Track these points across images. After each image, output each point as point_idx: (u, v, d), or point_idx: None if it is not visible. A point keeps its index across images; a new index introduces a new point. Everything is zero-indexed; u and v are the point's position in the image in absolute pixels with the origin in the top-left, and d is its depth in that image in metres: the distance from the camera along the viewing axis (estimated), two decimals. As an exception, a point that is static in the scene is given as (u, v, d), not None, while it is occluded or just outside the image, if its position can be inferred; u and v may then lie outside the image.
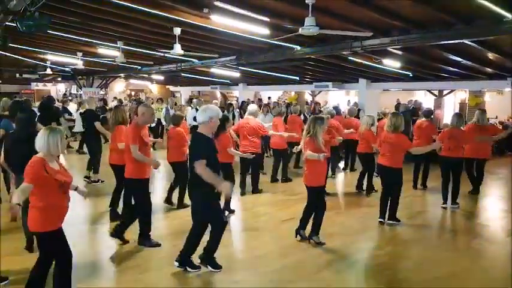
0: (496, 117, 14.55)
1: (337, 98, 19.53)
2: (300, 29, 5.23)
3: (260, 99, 17.96)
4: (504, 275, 4.28)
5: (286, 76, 13.67)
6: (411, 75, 10.82)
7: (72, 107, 12.74)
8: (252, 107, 7.39)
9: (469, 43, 6.70)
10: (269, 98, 18.87)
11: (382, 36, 6.73)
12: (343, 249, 4.86)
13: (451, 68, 9.33)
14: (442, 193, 6.65)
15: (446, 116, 15.31)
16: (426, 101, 17.18)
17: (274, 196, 7.28)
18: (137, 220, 4.77)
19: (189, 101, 15.59)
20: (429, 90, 14.48)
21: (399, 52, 8.07)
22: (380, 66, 9.37)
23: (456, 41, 6.46)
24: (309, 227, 4.99)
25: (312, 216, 4.93)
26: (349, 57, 8.93)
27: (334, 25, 6.18)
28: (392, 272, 4.39)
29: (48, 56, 13.36)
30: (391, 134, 5.56)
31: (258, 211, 6.43)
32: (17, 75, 18.11)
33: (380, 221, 5.74)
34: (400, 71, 10.20)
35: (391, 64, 9.00)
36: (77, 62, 12.38)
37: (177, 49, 7.64)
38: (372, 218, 5.92)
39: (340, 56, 9.19)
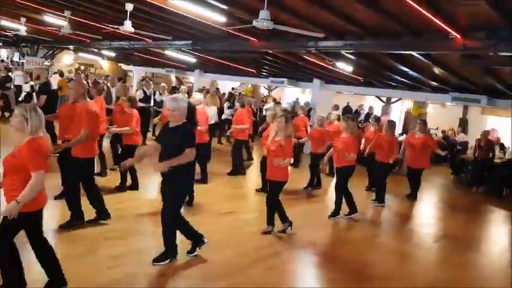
0: (437, 128, 15.47)
1: (293, 95, 19.71)
2: (254, 22, 5.12)
3: (217, 89, 17.66)
4: (426, 280, 4.49)
5: (243, 68, 13.53)
6: (362, 80, 11.11)
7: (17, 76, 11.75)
8: (196, 96, 7.20)
9: (417, 55, 6.95)
10: (232, 88, 18.58)
11: (337, 39, 6.82)
12: (273, 246, 4.85)
13: (399, 78, 9.69)
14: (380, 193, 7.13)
15: (392, 123, 16.11)
16: (375, 106, 17.93)
17: (220, 188, 7.16)
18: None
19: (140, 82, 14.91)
20: (378, 97, 15.01)
21: (352, 57, 8.22)
22: (333, 68, 9.52)
23: (404, 52, 6.69)
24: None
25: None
26: (304, 56, 8.97)
27: (289, 22, 6.14)
28: (319, 271, 4.47)
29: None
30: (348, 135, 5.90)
31: (198, 202, 6.28)
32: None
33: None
34: (351, 75, 10.43)
35: (344, 67, 9.16)
36: (20, 27, 11.38)
37: (128, 26, 7.24)
38: (315, 215, 6.05)
39: (296, 54, 9.23)
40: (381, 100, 15.51)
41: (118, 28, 7.54)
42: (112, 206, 4.98)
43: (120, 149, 6.56)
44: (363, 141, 8.03)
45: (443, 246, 5.80)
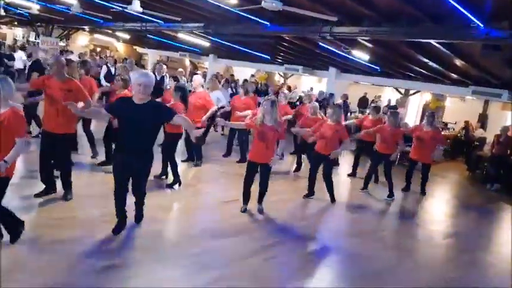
0: (455, 123, 14.95)
1: (309, 83, 19.32)
2: (263, 2, 4.88)
3: (232, 75, 17.38)
4: (429, 278, 4.27)
5: (258, 54, 13.26)
6: (379, 69, 10.73)
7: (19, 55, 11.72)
8: (197, 79, 7.05)
9: (437, 45, 6.60)
10: (252, 76, 18.20)
11: (352, 25, 6.52)
12: (273, 236, 4.67)
13: (418, 68, 9.30)
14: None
15: (410, 115, 15.63)
16: (393, 98, 17.44)
17: (225, 176, 7.01)
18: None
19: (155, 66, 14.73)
20: (396, 88, 14.55)
21: (368, 44, 7.89)
22: (349, 56, 9.18)
23: (423, 40, 6.34)
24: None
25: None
26: (319, 43, 8.66)
27: (302, 4, 5.86)
28: (320, 265, 4.29)
29: (2, -6, 12.21)
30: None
31: (200, 188, 6.17)
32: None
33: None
34: (368, 64, 10.07)
35: (360, 56, 8.82)
36: (32, 5, 11.33)
37: (136, 5, 7.06)
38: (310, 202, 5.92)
39: (311, 41, 8.93)
40: (399, 92, 15.03)
41: (126, 7, 7.35)
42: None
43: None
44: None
45: (452, 244, 5.54)
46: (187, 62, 20.33)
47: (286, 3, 5.05)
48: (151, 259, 3.70)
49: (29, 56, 9.32)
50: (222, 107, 8.21)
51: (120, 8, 7.74)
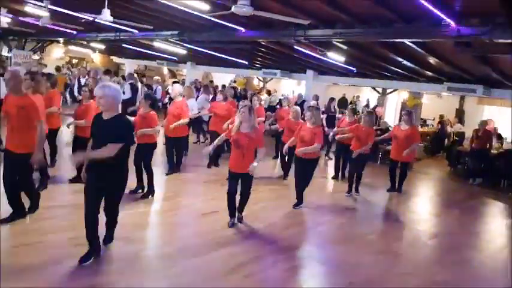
0: (434, 119, 15.20)
1: (289, 87, 19.36)
2: (233, 7, 4.80)
3: (211, 81, 17.24)
4: (420, 281, 4.23)
5: (235, 59, 13.19)
6: (355, 71, 10.80)
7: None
8: (175, 88, 7.04)
9: (410, 44, 6.65)
10: (234, 81, 18.10)
11: (326, 27, 6.51)
12: (256, 250, 4.53)
13: (393, 68, 9.38)
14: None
15: (387, 114, 15.82)
16: (371, 97, 17.62)
17: (200, 185, 6.88)
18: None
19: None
20: (374, 88, 14.70)
21: (343, 46, 7.91)
22: (325, 58, 9.20)
23: (396, 40, 6.38)
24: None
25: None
26: (294, 46, 8.64)
27: (274, 8, 5.81)
28: (306, 278, 4.19)
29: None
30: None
31: (179, 202, 6.00)
32: None
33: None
34: (345, 66, 10.11)
35: (336, 58, 8.84)
36: (1, 19, 10.98)
37: (106, 15, 6.87)
38: (297, 212, 5.76)
39: (286, 45, 8.91)
40: (377, 91, 15.18)
41: (96, 17, 7.16)
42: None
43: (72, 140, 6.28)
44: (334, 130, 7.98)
45: (438, 244, 5.52)
46: (165, 70, 20.11)
47: (257, 8, 4.98)
48: (129, 284, 3.49)
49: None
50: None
51: (90, 18, 7.52)
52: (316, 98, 11.47)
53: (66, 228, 4.36)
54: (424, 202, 7.82)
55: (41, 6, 8.60)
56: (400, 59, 8.06)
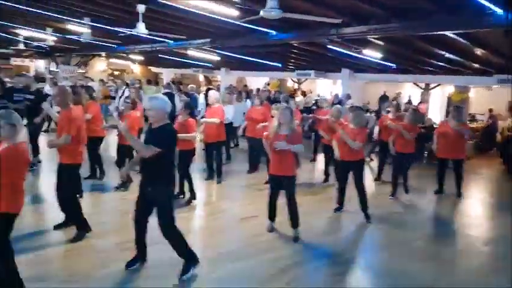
0: (484, 114, 14.22)
1: (325, 87, 18.99)
2: (262, 12, 4.70)
3: (246, 86, 17.30)
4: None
5: (268, 62, 13.12)
6: (394, 66, 10.35)
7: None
8: (212, 94, 7.01)
9: (453, 36, 6.24)
10: (268, 84, 18.05)
11: (360, 24, 6.25)
12: (298, 255, 4.40)
13: (436, 62, 8.88)
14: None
15: (432, 110, 14.98)
16: (414, 94, 16.83)
17: (240, 190, 6.83)
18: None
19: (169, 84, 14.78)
20: (416, 83, 14.04)
21: (380, 42, 7.58)
22: (361, 56, 8.88)
23: (438, 32, 6.00)
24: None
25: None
26: (328, 45, 8.41)
27: (304, 8, 5.65)
28: (349, 284, 3.99)
29: (20, 30, 12.63)
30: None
31: (218, 206, 6.00)
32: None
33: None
34: (383, 62, 9.72)
35: (372, 54, 8.50)
36: (47, 37, 11.66)
37: (141, 28, 7.04)
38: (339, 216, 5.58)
39: (319, 44, 8.70)
40: (419, 87, 14.47)
41: (131, 31, 7.36)
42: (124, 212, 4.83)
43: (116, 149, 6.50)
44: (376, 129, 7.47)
45: (493, 250, 5.05)
46: (201, 77, 20.42)
47: (287, 9, 4.85)
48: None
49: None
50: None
51: (127, 32, 7.76)
52: (348, 97, 11.07)
53: (113, 233, 4.56)
54: (476, 205, 7.21)
55: (82, 23, 9.04)
56: (442, 52, 7.61)
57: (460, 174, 6.94)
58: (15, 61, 20.45)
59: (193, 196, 5.87)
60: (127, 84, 13.33)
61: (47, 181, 6.30)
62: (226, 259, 4.17)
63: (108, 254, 4.08)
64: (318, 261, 4.32)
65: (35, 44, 14.93)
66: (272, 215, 4.89)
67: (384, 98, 16.25)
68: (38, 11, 8.85)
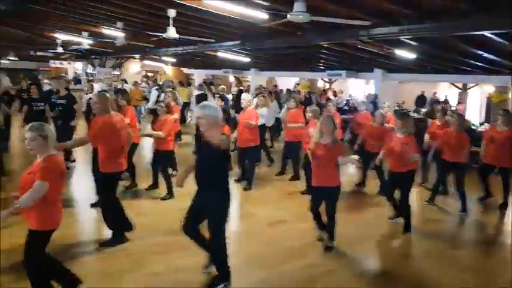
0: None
1: (357, 86, 18.61)
2: (288, 15, 4.67)
3: (275, 86, 17.24)
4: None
5: (298, 63, 13.04)
6: (429, 67, 9.99)
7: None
8: (246, 97, 6.97)
9: (491, 36, 5.95)
10: (297, 84, 17.89)
11: (391, 24, 6.08)
12: (328, 263, 4.30)
13: (474, 62, 8.49)
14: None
15: (470, 111, 14.33)
16: (450, 94, 16.19)
17: (269, 193, 6.75)
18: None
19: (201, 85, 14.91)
20: (452, 83, 13.50)
21: (413, 42, 7.34)
22: (393, 56, 8.64)
23: (474, 33, 5.73)
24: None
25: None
26: (359, 46, 8.24)
27: (332, 11, 5.57)
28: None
29: (58, 34, 13.23)
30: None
31: (246, 210, 5.95)
32: (31, 52, 18.19)
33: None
34: (417, 62, 9.40)
35: (405, 55, 8.24)
36: (83, 41, 12.16)
37: (171, 32, 7.21)
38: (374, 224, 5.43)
39: (350, 45, 8.54)
40: (456, 86, 13.92)
41: (162, 35, 7.54)
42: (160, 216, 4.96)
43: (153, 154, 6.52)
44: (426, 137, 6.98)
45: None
46: (231, 78, 20.58)
47: (315, 12, 4.80)
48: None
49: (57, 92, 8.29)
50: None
51: (158, 36, 7.95)
52: (375, 97, 10.73)
53: (147, 236, 4.64)
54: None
55: (116, 27, 9.35)
56: (480, 52, 7.27)
57: (508, 183, 6.45)
58: (54, 63, 21.44)
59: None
60: (159, 86, 13.66)
61: (80, 185, 6.55)
62: (254, 265, 4.12)
63: (139, 257, 4.16)
64: (352, 270, 4.18)
65: (73, 47, 15.64)
66: (321, 225, 4.71)
67: (421, 99, 15.76)
68: (74, 16, 9.28)
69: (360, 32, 6.56)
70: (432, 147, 6.43)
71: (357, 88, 18.60)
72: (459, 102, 13.73)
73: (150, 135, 6.43)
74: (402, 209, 5.26)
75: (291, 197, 6.50)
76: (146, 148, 8.71)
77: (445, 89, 16.66)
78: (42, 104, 7.07)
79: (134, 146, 6.38)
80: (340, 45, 8.93)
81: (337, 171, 4.46)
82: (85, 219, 5.27)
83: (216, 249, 3.55)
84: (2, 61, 19.27)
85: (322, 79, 17.38)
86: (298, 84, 18.21)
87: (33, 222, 2.93)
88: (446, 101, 15.25)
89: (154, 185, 6.37)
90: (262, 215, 5.65)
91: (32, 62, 20.87)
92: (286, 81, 18.57)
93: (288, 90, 15.13)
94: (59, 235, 3.25)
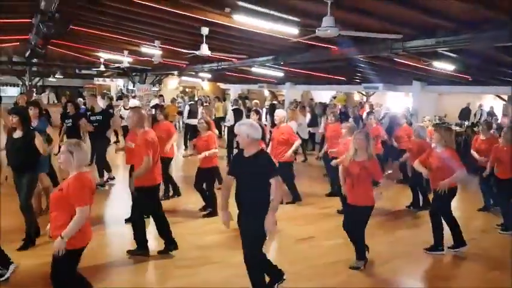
0: None
1: (396, 99, 18.06)
2: (317, 31, 4.65)
3: (311, 99, 17.07)
4: None
5: (333, 77, 12.92)
6: (470, 78, 9.55)
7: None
8: (279, 113, 6.89)
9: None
10: (334, 97, 17.64)
11: (426, 37, 5.90)
12: (357, 282, 4.15)
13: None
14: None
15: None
16: (495, 105, 15.34)
17: (299, 209, 6.61)
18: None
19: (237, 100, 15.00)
20: (498, 95, 12.80)
21: (450, 54, 7.06)
22: (432, 68, 8.35)
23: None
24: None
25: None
26: (395, 59, 8.04)
27: (363, 24, 5.48)
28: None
29: (101, 53, 14.00)
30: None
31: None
32: (77, 71, 19.34)
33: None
34: (457, 74, 9.03)
35: (444, 67, 7.94)
36: (123, 59, 12.75)
37: (205, 49, 7.40)
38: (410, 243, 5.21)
39: (385, 58, 8.35)
40: (501, 98, 13.16)
41: (195, 53, 7.76)
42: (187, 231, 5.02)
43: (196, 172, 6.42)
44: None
45: None
46: (266, 92, 20.70)
47: (344, 26, 4.75)
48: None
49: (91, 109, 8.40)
50: None
51: (192, 53, 8.18)
52: (408, 111, 10.33)
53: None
54: None
55: (153, 46, 9.76)
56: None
57: None
58: (98, 81, 22.61)
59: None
60: (194, 102, 13.96)
61: (116, 201, 6.70)
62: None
63: (165, 271, 4.22)
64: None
65: (114, 65, 16.48)
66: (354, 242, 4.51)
67: (466, 111, 14.99)
68: (116, 36, 9.79)
69: (393, 44, 6.42)
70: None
71: (396, 101, 18.05)
72: (504, 115, 12.98)
73: (192, 155, 6.41)
74: (450, 224, 4.91)
75: (319, 213, 6.35)
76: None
77: (490, 100, 15.81)
78: (70, 120, 7.21)
79: (169, 160, 6.46)
80: (375, 58, 8.76)
81: (372, 190, 4.28)
82: (115, 234, 5.36)
83: (253, 273, 3.53)
84: (50, 79, 20.62)
85: (358, 92, 17.08)
86: (334, 97, 17.97)
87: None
88: (492, 113, 14.46)
89: (208, 206, 6.14)
90: (290, 231, 5.49)
91: (77, 80, 22.16)
92: (324, 94, 18.36)
93: (321, 104, 14.91)
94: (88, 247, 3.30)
